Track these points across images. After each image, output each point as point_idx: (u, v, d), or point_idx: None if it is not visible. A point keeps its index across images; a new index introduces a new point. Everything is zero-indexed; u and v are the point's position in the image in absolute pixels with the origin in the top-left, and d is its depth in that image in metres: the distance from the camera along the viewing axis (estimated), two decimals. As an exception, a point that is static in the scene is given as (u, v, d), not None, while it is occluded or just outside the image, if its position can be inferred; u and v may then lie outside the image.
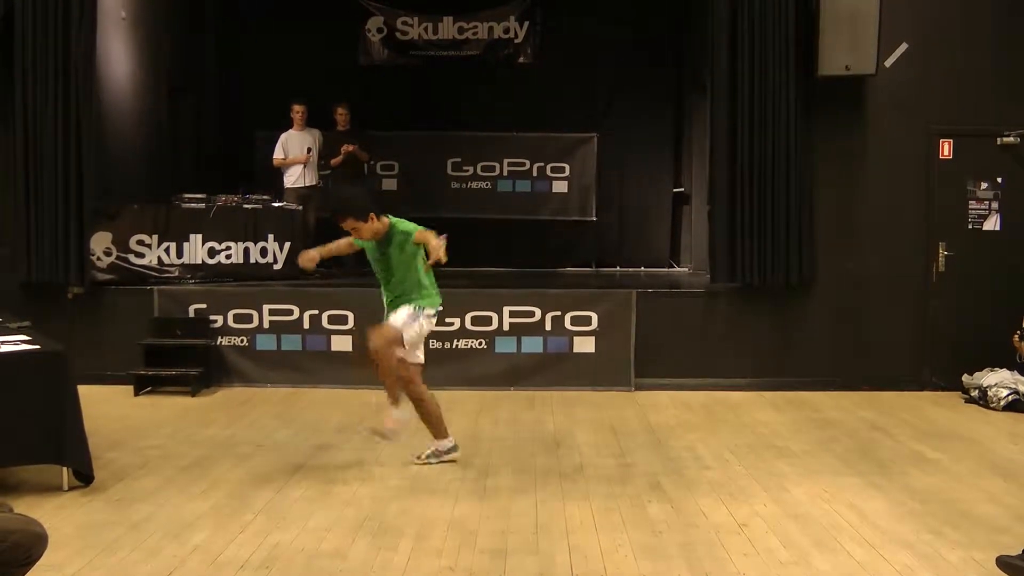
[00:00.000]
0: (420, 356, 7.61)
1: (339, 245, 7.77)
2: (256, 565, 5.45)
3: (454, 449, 7.64)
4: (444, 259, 6.91)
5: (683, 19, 14.37)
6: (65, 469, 6.82)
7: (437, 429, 7.64)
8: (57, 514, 6.15)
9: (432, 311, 7.42)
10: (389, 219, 7.27)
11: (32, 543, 3.85)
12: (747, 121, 10.38)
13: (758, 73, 10.33)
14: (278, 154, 12.86)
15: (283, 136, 12.85)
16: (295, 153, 12.82)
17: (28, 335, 7.34)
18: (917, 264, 10.65)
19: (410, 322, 7.26)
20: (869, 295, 10.64)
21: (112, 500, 6.63)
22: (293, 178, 12.80)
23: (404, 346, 7.24)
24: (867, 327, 10.63)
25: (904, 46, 10.45)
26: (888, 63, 10.36)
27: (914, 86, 10.53)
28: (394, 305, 7.35)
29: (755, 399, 10.12)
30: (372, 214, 7.10)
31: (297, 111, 12.83)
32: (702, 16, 11.63)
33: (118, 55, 12.33)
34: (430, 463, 7.51)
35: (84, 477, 6.86)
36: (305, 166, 12.75)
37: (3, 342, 7.01)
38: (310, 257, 7.56)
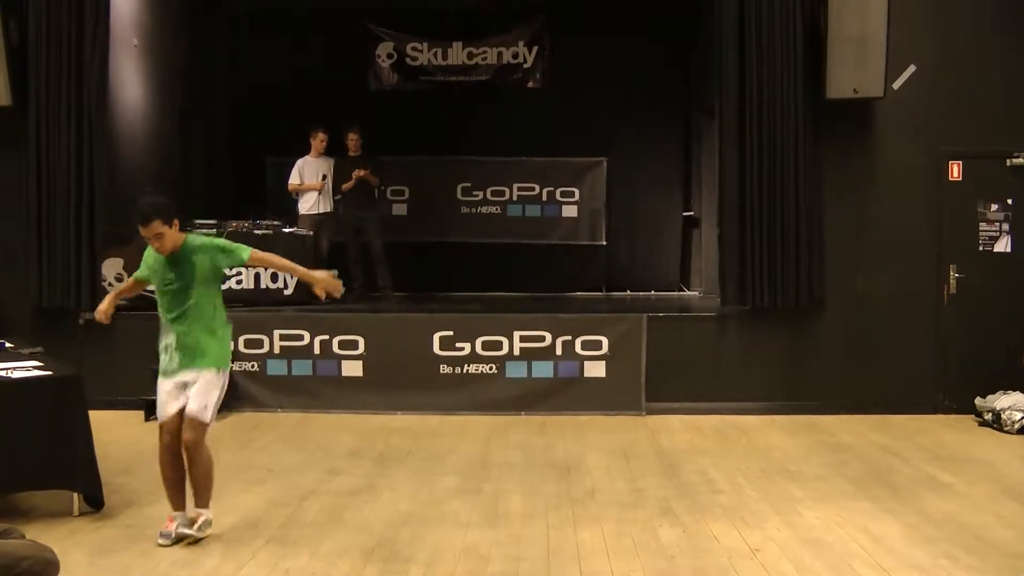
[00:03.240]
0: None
1: (127, 285, 6.99)
2: (267, 591, 5.44)
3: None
4: (338, 294, 6.59)
5: (691, 42, 14.38)
6: (76, 495, 6.82)
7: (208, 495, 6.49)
8: (68, 539, 6.14)
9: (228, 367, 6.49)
10: (185, 234, 6.36)
11: (44, 569, 3.84)
12: (756, 143, 10.37)
13: (767, 95, 10.33)
14: (294, 179, 12.90)
15: (299, 162, 12.90)
16: (310, 179, 12.86)
17: (40, 360, 7.36)
18: (928, 286, 10.59)
19: (215, 393, 6.31)
20: (880, 317, 10.59)
21: (123, 526, 6.62)
22: (308, 204, 12.84)
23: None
24: (878, 350, 10.57)
25: (912, 68, 10.43)
26: (896, 85, 10.34)
27: (923, 108, 10.50)
28: (185, 364, 6.27)
29: (767, 423, 10.08)
30: (176, 221, 6.21)
31: (320, 139, 12.89)
32: (710, 39, 11.63)
33: (130, 81, 12.39)
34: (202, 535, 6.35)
35: (95, 503, 6.85)
36: (320, 193, 12.79)
37: (16, 368, 7.03)
38: (102, 311, 6.61)
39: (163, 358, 6.34)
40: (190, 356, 6.25)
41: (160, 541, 6.15)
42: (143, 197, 6.16)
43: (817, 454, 8.75)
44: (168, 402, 6.26)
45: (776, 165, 10.33)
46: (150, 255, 6.42)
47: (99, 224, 10.55)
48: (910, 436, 9.47)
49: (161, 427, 6.25)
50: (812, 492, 7.48)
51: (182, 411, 6.19)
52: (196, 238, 6.38)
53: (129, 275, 10.82)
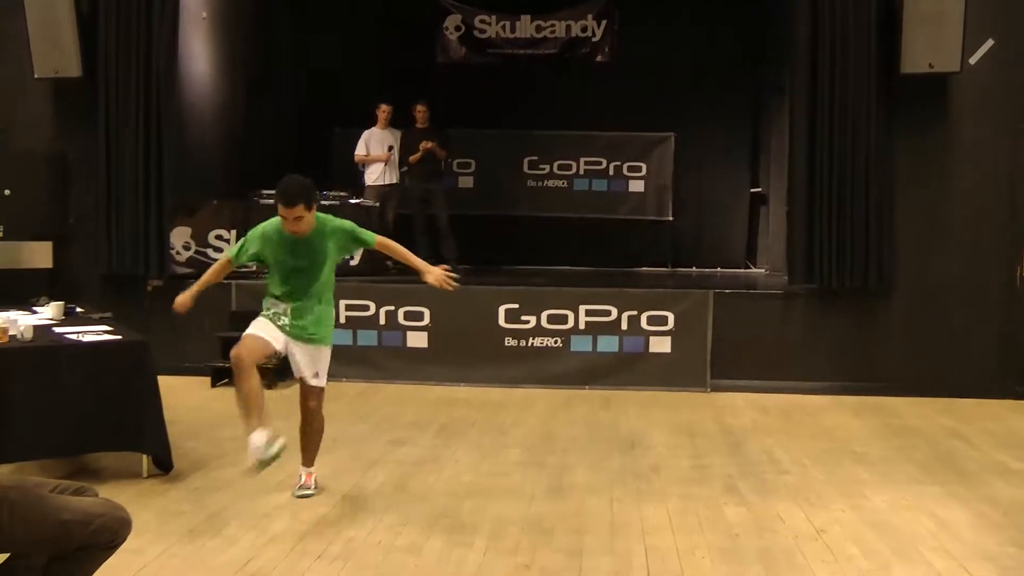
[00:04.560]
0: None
1: (213, 272, 6.74)
2: (332, 557, 5.47)
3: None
4: (450, 287, 6.45)
5: (762, 17, 14.19)
6: (145, 457, 6.93)
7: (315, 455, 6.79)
8: (137, 500, 6.23)
9: None
10: (316, 214, 6.25)
11: (118, 527, 3.89)
12: (827, 120, 10.23)
13: (838, 71, 10.16)
14: (360, 151, 12.96)
15: (366, 133, 12.94)
16: (377, 151, 12.90)
17: (109, 326, 7.47)
18: (1000, 268, 10.39)
19: (327, 362, 6.54)
20: (950, 299, 10.41)
21: (191, 489, 6.72)
22: (374, 176, 12.90)
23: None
24: (948, 332, 10.41)
25: (990, 43, 10.19)
26: (973, 61, 10.12)
27: (1000, 84, 10.27)
28: (296, 332, 6.34)
29: (832, 403, 9.98)
30: (315, 204, 6.17)
31: (384, 110, 12.93)
32: (781, 14, 11.50)
33: (198, 54, 12.49)
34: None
35: (163, 465, 6.96)
36: (386, 164, 12.83)
37: (86, 332, 7.13)
38: (181, 302, 6.60)
39: (271, 311, 6.36)
40: (307, 330, 6.35)
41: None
42: (289, 177, 6.12)
43: (883, 436, 8.65)
44: (264, 329, 6.27)
45: (847, 142, 10.18)
46: (269, 234, 6.30)
47: (167, 194, 10.70)
48: (978, 421, 9.31)
49: (242, 338, 6.17)
50: (878, 474, 7.38)
51: (269, 344, 6.23)
52: (328, 220, 6.33)
53: (197, 245, 11.07)
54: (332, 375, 10.36)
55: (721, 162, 15.18)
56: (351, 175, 13.28)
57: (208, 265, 10.91)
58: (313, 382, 6.44)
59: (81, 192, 10.91)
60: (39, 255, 10.60)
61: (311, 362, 6.41)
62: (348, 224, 6.41)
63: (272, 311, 6.36)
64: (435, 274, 6.41)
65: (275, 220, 6.24)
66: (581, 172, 15.20)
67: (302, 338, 6.34)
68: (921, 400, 10.09)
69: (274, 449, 5.95)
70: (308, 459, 6.65)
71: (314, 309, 6.36)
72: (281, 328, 6.30)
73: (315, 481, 6.63)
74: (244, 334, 6.24)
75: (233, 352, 6.09)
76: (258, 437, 5.92)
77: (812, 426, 9.03)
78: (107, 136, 10.64)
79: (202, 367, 10.36)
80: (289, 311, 6.31)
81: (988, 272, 10.39)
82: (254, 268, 8.00)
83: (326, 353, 6.48)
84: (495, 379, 10.40)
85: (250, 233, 6.41)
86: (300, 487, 6.57)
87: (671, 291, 10.99)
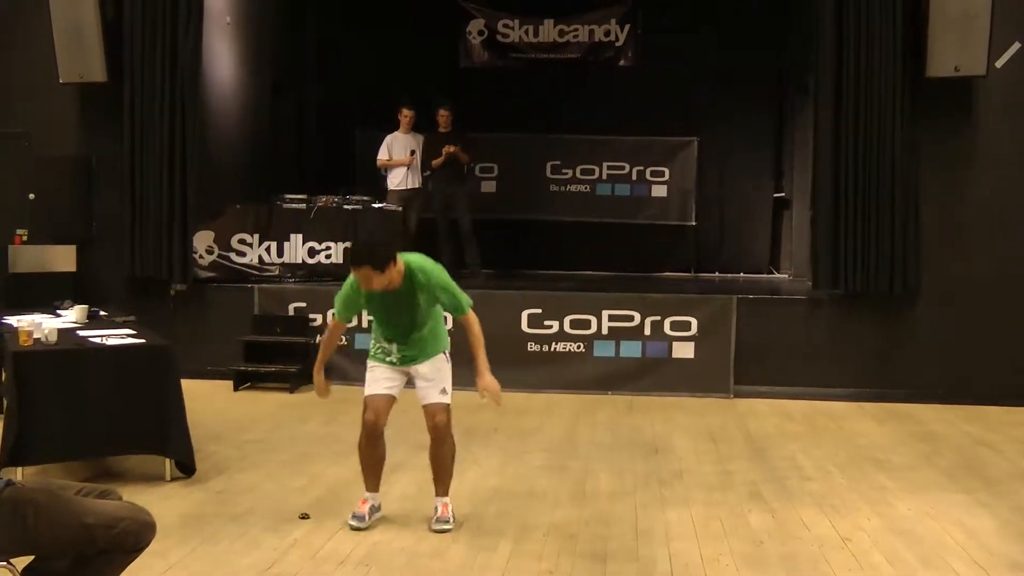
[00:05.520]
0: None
1: (328, 342, 6.50)
2: (356, 561, 5.47)
3: None
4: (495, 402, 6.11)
5: (786, 21, 14.13)
6: (168, 460, 6.94)
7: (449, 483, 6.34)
8: (160, 504, 6.23)
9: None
10: (405, 263, 5.93)
11: (141, 531, 3.89)
12: (852, 123, 10.17)
13: (864, 74, 10.11)
14: (383, 155, 12.95)
15: (388, 138, 12.93)
16: (399, 155, 12.89)
17: (133, 329, 7.49)
18: (1028, 273, 10.33)
19: (447, 373, 6.22)
20: (976, 305, 10.32)
21: (213, 492, 6.73)
22: (397, 180, 12.89)
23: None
24: (974, 338, 10.30)
25: (1017, 46, 10.12)
26: (999, 64, 10.05)
27: (1025, 88, 10.22)
28: (409, 361, 6.13)
29: (856, 410, 9.91)
30: (391, 262, 5.80)
31: (406, 115, 12.89)
32: (806, 17, 11.44)
33: (222, 58, 12.52)
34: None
35: (186, 468, 6.98)
36: (408, 168, 12.83)
37: (110, 335, 7.16)
38: (320, 386, 6.30)
39: (379, 347, 6.15)
40: (415, 357, 6.11)
41: (352, 523, 6.02)
42: (365, 237, 5.88)
43: (908, 443, 8.58)
44: (380, 380, 6.10)
45: (872, 146, 10.12)
46: (354, 290, 6.02)
47: (191, 198, 10.74)
48: (1005, 428, 9.22)
49: (367, 403, 6.07)
50: (903, 482, 7.32)
51: (391, 397, 6.09)
52: (418, 272, 5.92)
53: (220, 249, 11.10)
54: (354, 379, 10.42)
55: (744, 167, 15.13)
56: (374, 179, 13.28)
57: (231, 269, 11.10)
58: (442, 399, 6.12)
59: (105, 196, 10.96)
60: (63, 258, 10.65)
61: (432, 377, 6.11)
62: (443, 281, 6.00)
63: (380, 347, 6.16)
64: (487, 384, 6.05)
65: (352, 278, 5.98)
66: (604, 177, 15.14)
67: (417, 360, 6.11)
68: (946, 407, 10.01)
69: (367, 523, 6.03)
70: (442, 488, 6.20)
71: (421, 341, 6.10)
72: (391, 365, 6.11)
73: (452, 513, 6.16)
74: (369, 395, 6.08)
75: (367, 418, 6.02)
76: (363, 509, 6.07)
77: (836, 432, 8.97)
78: (131, 140, 10.69)
79: (225, 371, 10.38)
80: (395, 349, 6.09)
81: (1015, 276, 10.28)
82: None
83: (444, 364, 6.17)
84: (518, 384, 10.33)
85: (337, 296, 6.17)
86: (437, 520, 6.08)
87: (694, 296, 10.96)
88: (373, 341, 6.23)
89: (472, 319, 6.07)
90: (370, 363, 6.20)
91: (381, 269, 5.74)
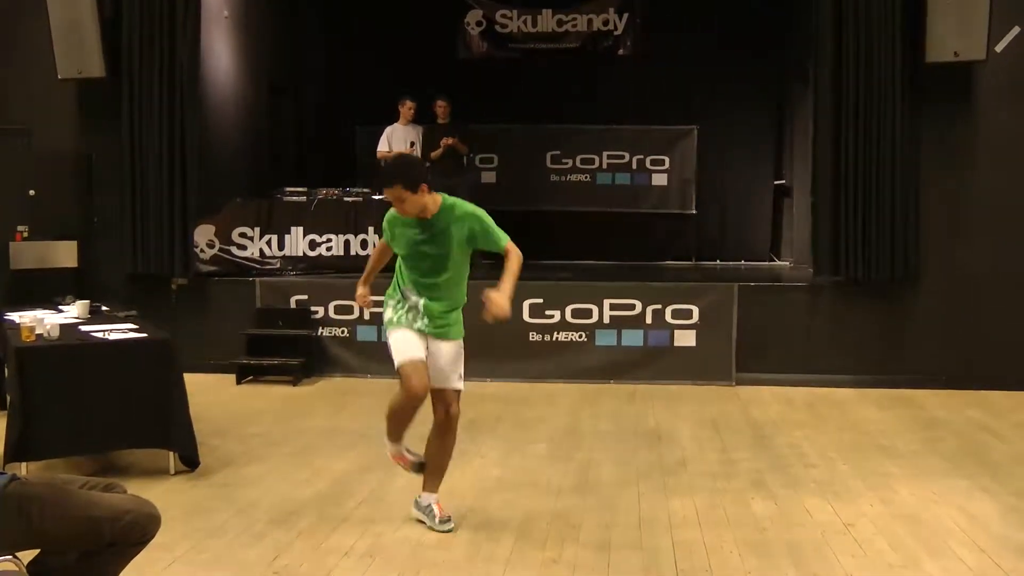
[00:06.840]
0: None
1: (375, 257, 6.43)
2: (360, 553, 5.48)
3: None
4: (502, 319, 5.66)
5: (785, 7, 14.11)
6: (172, 454, 6.94)
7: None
8: (165, 497, 6.22)
9: None
10: (443, 197, 5.81)
11: (147, 523, 3.91)
12: (851, 110, 10.15)
13: (863, 61, 10.08)
14: (382, 147, 12.93)
15: (388, 129, 12.91)
16: (399, 147, 12.87)
17: (134, 324, 7.50)
18: (1028, 258, 10.32)
19: (462, 361, 5.99)
20: (978, 291, 10.32)
21: (217, 485, 6.74)
22: (397, 173, 12.86)
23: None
24: (975, 324, 10.30)
25: (1016, 30, 10.08)
26: (999, 48, 10.02)
27: (1025, 72, 10.20)
28: (438, 331, 5.87)
29: (858, 396, 9.91)
30: (424, 185, 5.60)
31: (408, 107, 12.86)
32: (805, 4, 11.42)
33: (221, 52, 12.51)
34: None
35: (190, 462, 6.98)
36: (408, 161, 12.81)
37: (112, 330, 7.17)
38: (361, 296, 6.35)
39: (405, 314, 5.82)
40: (440, 327, 5.84)
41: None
42: (391, 159, 5.68)
43: (911, 429, 8.58)
44: (412, 343, 5.74)
45: (872, 132, 10.10)
46: (394, 215, 5.84)
47: (191, 193, 10.71)
48: (1007, 414, 9.22)
49: (408, 370, 5.66)
50: (906, 468, 7.32)
51: (426, 367, 5.73)
52: (459, 205, 5.78)
53: (221, 243, 11.12)
54: (356, 371, 10.56)
55: (744, 154, 15.14)
56: (374, 171, 13.27)
57: (232, 262, 11.11)
58: (458, 385, 5.92)
59: (105, 192, 10.95)
60: (64, 254, 10.65)
61: (453, 360, 5.89)
62: (480, 212, 5.84)
63: (405, 307, 5.84)
64: (496, 297, 5.60)
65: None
66: (604, 166, 15.16)
67: (444, 336, 5.85)
68: (949, 392, 10.01)
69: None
70: (435, 484, 6.01)
71: (449, 311, 5.88)
72: (419, 332, 5.79)
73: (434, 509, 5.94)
74: (403, 363, 5.69)
75: (414, 385, 5.63)
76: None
77: (839, 419, 8.97)
78: (131, 136, 10.67)
79: (227, 364, 10.38)
80: (422, 305, 5.80)
81: (1016, 262, 10.27)
82: None
83: (462, 351, 5.96)
84: (520, 374, 10.38)
85: (386, 216, 5.96)
86: (440, 521, 5.85)
87: (695, 284, 10.96)
88: (395, 304, 5.89)
89: (512, 250, 5.87)
90: (392, 329, 5.84)
91: (413, 188, 5.55)
